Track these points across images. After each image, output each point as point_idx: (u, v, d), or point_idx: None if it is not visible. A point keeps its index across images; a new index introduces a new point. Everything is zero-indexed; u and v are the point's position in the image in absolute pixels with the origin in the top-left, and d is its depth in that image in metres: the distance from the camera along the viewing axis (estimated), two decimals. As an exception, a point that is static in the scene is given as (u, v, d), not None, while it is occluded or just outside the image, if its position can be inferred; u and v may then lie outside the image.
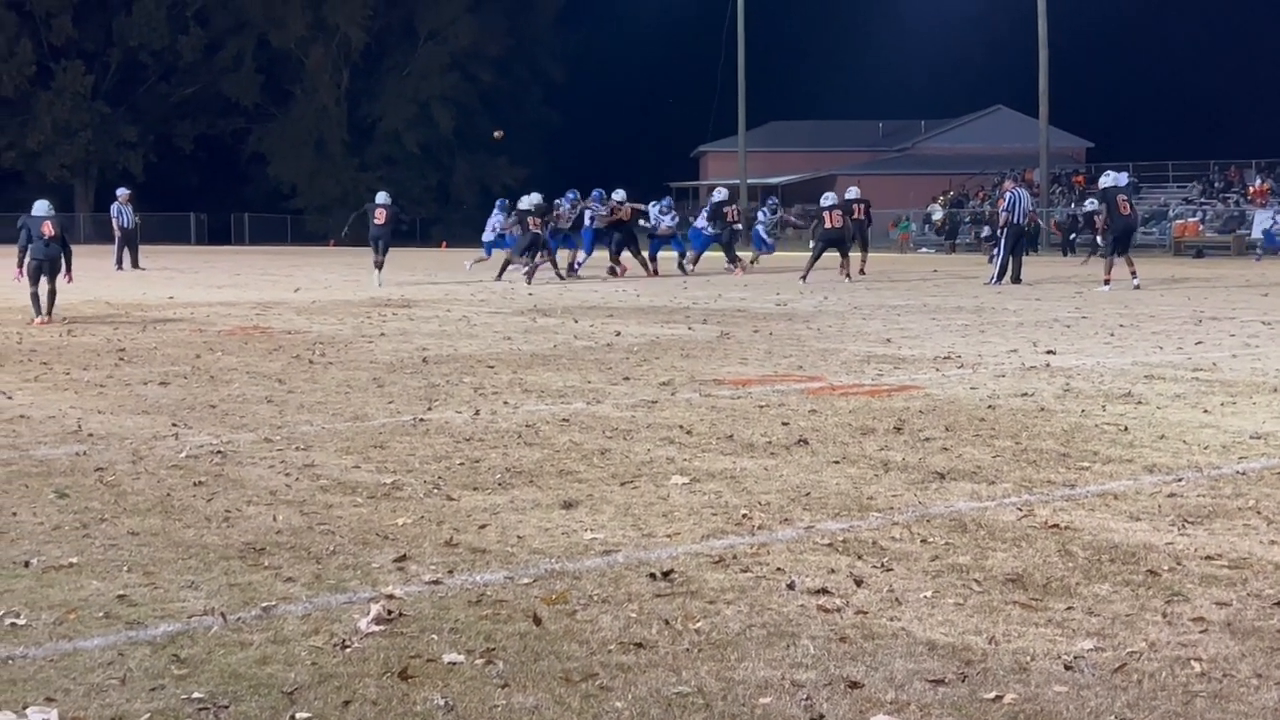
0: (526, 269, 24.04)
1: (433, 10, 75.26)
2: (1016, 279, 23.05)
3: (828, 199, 24.39)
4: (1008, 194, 24.02)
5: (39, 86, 72.92)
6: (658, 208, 28.69)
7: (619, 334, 13.51)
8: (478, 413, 8.27)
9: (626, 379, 9.92)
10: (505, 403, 8.71)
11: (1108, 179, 22.07)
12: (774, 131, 73.91)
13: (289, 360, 11.27)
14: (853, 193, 26.52)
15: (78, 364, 11.06)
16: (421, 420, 7.99)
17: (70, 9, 73.31)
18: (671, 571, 4.66)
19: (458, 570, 4.70)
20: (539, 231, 24.06)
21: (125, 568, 4.73)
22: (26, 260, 15.59)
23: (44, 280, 15.68)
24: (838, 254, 24.04)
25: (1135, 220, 24.33)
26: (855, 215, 25.89)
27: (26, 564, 4.78)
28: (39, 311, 15.57)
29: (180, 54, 75.22)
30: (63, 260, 15.85)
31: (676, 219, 29.40)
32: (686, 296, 19.87)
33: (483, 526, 5.33)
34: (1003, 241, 23.57)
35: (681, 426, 7.68)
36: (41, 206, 16.27)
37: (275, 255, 46.22)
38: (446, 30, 75.05)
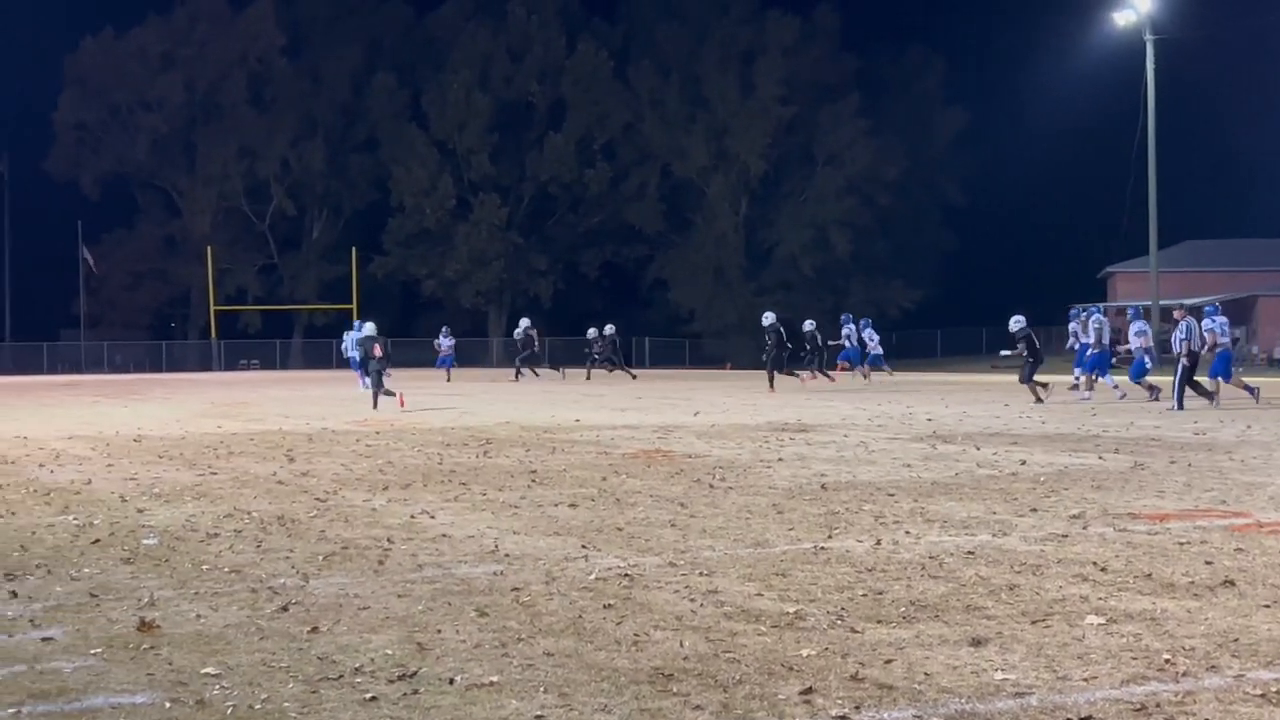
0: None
1: (831, 135, 76.38)
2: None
3: None
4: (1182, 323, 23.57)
5: (458, 219, 78.26)
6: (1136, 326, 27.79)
7: (1024, 462, 13.13)
8: (879, 542, 8.17)
9: (1034, 510, 9.61)
10: (907, 532, 8.58)
11: None
12: (1190, 250, 70.77)
13: (690, 484, 11.47)
14: None
15: (493, 485, 11.59)
16: (822, 548, 7.96)
17: (488, 147, 78.57)
18: (1089, 718, 4.44)
19: (865, 706, 4.63)
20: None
21: (542, 688, 4.88)
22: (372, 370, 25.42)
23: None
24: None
25: None
26: None
27: (451, 681, 4.99)
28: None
29: (587, 186, 79.28)
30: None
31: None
32: (1095, 424, 19.15)
33: (889, 661, 5.23)
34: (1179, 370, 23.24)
35: (1095, 563, 7.36)
36: (370, 328, 26.32)
37: (674, 379, 47.44)
38: (844, 154, 75.94)
